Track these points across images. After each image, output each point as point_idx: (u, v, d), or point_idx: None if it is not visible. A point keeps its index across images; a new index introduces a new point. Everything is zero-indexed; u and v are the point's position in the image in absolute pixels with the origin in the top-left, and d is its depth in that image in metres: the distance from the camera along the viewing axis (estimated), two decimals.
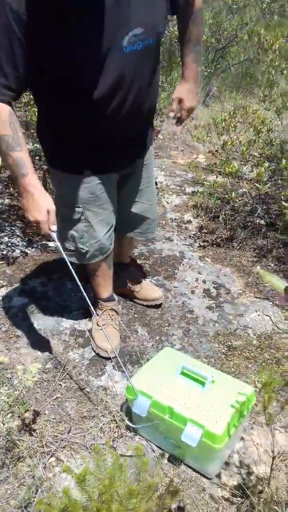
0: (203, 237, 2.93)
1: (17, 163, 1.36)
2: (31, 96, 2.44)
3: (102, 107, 1.44)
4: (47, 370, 1.80)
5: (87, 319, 2.10)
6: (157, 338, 2.05)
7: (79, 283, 1.50)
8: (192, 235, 2.96)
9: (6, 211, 2.97)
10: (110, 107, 1.45)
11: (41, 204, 1.38)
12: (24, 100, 2.43)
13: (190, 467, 1.47)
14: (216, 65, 6.66)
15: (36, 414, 1.59)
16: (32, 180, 1.37)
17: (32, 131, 2.66)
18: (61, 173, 1.66)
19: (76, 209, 1.68)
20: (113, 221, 1.80)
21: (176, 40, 1.64)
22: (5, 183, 3.21)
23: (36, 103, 1.61)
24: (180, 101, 1.69)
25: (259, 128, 3.23)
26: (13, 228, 2.80)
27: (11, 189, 3.13)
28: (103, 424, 1.57)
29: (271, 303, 2.35)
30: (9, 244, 2.64)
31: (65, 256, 1.54)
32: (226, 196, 2.92)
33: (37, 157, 3.36)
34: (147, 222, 2.00)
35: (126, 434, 1.56)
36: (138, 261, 2.62)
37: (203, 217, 3.13)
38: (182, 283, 2.47)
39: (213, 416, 1.37)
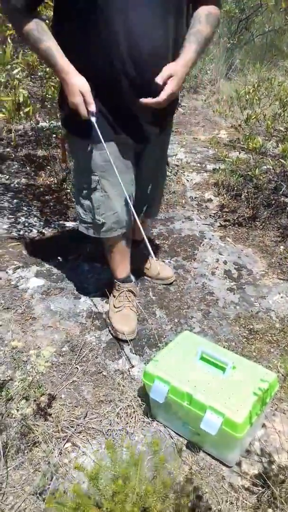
0: (224, 216, 2.83)
1: (47, 54, 1.40)
2: (47, 70, 2.36)
3: (113, 50, 1.40)
4: (63, 353, 1.77)
5: (104, 301, 2.06)
6: (176, 320, 1.99)
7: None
8: (213, 214, 2.86)
9: (23, 190, 2.93)
10: (122, 50, 1.39)
11: (73, 87, 1.41)
12: (40, 74, 2.35)
13: (209, 454, 1.43)
14: (239, 37, 6.38)
15: (52, 398, 1.57)
16: (63, 66, 1.40)
17: (48, 106, 2.58)
18: (76, 139, 1.65)
19: (92, 177, 1.65)
20: (132, 193, 1.74)
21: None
22: (22, 162, 3.16)
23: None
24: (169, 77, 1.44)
25: (285, 100, 3.06)
26: (30, 207, 2.76)
27: (27, 168, 3.08)
28: (120, 409, 1.53)
29: None
30: (26, 224, 2.60)
31: (95, 123, 1.46)
32: (249, 173, 2.80)
33: (54, 135, 3.30)
34: (152, 202, 1.97)
35: (143, 420, 1.51)
36: (157, 241, 2.55)
37: (225, 195, 3.02)
38: (202, 264, 2.39)
39: (234, 404, 1.31)
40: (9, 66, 2.06)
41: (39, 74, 2.31)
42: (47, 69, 2.31)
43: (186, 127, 4.17)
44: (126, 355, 1.78)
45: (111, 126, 1.56)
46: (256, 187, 2.90)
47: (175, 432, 1.49)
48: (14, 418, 1.47)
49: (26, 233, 2.52)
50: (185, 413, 1.38)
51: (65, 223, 2.64)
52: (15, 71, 2.06)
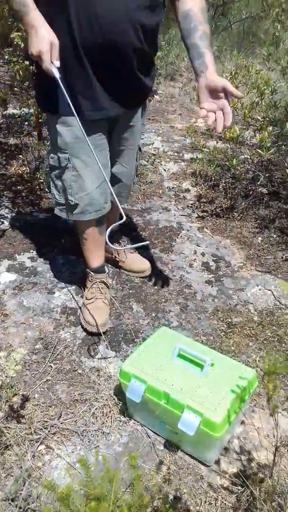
0: (202, 207, 2.79)
1: (20, 3, 1.36)
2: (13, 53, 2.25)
3: (77, 16, 1.36)
4: (36, 351, 1.70)
5: (80, 295, 1.99)
6: (153, 315, 1.94)
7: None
8: (190, 205, 2.82)
9: None
10: (83, 17, 1.36)
11: (43, 35, 1.35)
12: (6, 58, 2.23)
13: (187, 453, 1.40)
14: (216, 23, 6.29)
15: (25, 398, 1.50)
16: (35, 16, 1.36)
17: (15, 89, 2.47)
18: (48, 114, 1.63)
19: (63, 154, 1.62)
20: (107, 176, 1.69)
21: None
22: None
23: None
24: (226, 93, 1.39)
25: (262, 89, 3.02)
26: (1, 198, 2.65)
27: None
28: (96, 408, 1.48)
29: (273, 276, 2.23)
30: None
31: (64, 91, 1.37)
32: (226, 163, 2.75)
33: (26, 122, 3.18)
34: (120, 185, 1.92)
35: (120, 419, 1.47)
36: (134, 233, 2.49)
37: (202, 185, 2.97)
38: (180, 256, 2.35)
39: (212, 403, 1.28)
40: None
41: (6, 57, 2.20)
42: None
43: (163, 115, 4.09)
44: (102, 351, 1.73)
45: (80, 103, 1.51)
46: (234, 177, 2.86)
47: (152, 431, 1.45)
48: None
49: None
50: (162, 412, 1.35)
51: (39, 214, 2.55)
52: None
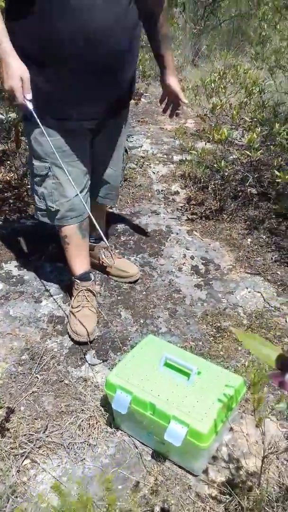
0: (191, 209, 2.77)
1: None
2: None
3: (68, 27, 1.36)
4: (23, 362, 1.68)
5: (67, 303, 1.97)
6: (142, 321, 1.92)
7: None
8: (180, 208, 2.80)
9: None
10: (66, 24, 1.36)
11: (13, 70, 1.38)
12: None
13: (175, 463, 1.38)
14: (205, 22, 6.27)
15: (10, 411, 1.48)
16: (6, 48, 1.37)
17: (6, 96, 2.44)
18: (28, 124, 1.61)
19: (44, 163, 1.63)
20: (86, 182, 1.75)
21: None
22: None
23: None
24: (175, 96, 1.84)
25: (250, 89, 3.01)
26: None
27: None
28: (82, 420, 1.46)
29: (262, 278, 2.22)
30: None
31: (35, 116, 1.45)
32: (215, 165, 2.73)
33: (13, 128, 3.14)
34: (107, 187, 1.95)
35: (106, 430, 1.45)
36: (123, 238, 2.47)
37: (192, 187, 2.96)
38: (169, 260, 2.33)
39: (199, 413, 1.26)
40: None
41: None
42: None
43: (153, 116, 4.07)
44: (89, 360, 1.71)
45: (62, 110, 1.55)
46: (223, 178, 2.85)
47: (139, 441, 1.43)
48: None
49: None
50: (149, 423, 1.33)
51: (26, 221, 2.53)
52: None
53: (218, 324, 1.93)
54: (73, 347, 1.77)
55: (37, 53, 1.43)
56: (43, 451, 1.38)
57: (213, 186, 2.87)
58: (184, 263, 2.32)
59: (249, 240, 2.50)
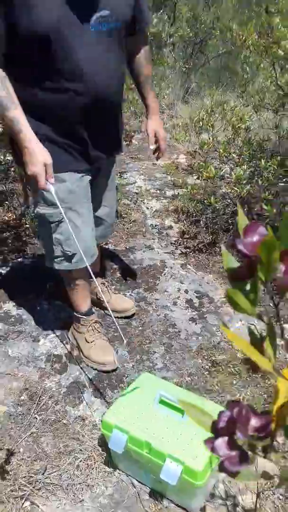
0: (184, 243, 2.85)
1: (14, 121, 1.42)
2: None
3: (70, 84, 1.45)
4: (21, 402, 1.71)
5: (64, 341, 2.01)
6: (138, 357, 1.96)
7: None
8: (174, 242, 2.88)
9: None
10: (77, 85, 1.46)
11: (37, 157, 1.44)
12: None
13: (173, 502, 1.40)
14: (194, 60, 6.54)
15: (10, 453, 1.51)
16: (27, 135, 1.44)
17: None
18: None
19: (57, 209, 1.62)
20: (93, 221, 1.81)
21: None
22: None
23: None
24: (155, 133, 1.88)
25: (237, 126, 3.13)
26: None
27: None
28: (80, 461, 1.48)
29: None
30: None
31: (57, 201, 1.54)
32: (206, 200, 2.83)
33: (12, 168, 3.26)
34: (104, 226, 2.01)
35: (104, 470, 1.47)
36: (118, 274, 2.53)
37: (184, 221, 3.04)
38: (164, 295, 2.39)
39: (193, 450, 1.29)
40: None
41: None
42: None
43: (145, 153, 4.20)
44: (86, 399, 1.74)
45: (71, 156, 1.62)
46: (214, 212, 2.94)
47: (137, 480, 1.45)
48: None
49: None
50: (145, 461, 1.36)
51: (24, 260, 2.59)
52: None
53: (213, 358, 1.97)
54: (71, 386, 1.80)
55: (42, 104, 1.50)
56: (43, 492, 1.40)
57: (205, 220, 2.95)
58: (179, 297, 2.38)
59: (222, 246, 2.56)
